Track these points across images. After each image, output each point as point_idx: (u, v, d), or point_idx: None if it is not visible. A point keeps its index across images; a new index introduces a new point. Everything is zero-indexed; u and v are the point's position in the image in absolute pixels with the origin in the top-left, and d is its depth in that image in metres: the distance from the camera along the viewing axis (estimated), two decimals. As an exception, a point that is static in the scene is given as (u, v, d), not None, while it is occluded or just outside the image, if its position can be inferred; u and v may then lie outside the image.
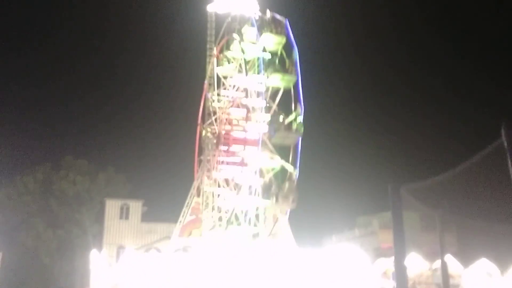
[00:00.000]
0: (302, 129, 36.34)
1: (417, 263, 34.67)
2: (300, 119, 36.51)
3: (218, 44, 39.64)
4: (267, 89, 37.83)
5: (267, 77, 36.58)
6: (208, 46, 40.14)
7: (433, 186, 7.44)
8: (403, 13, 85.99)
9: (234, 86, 38.03)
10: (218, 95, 38.51)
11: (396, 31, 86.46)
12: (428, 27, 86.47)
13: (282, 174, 36.60)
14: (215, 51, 39.31)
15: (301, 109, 36.58)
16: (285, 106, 37.84)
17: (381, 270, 35.65)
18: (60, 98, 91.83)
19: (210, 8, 40.68)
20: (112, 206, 41.76)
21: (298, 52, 37.86)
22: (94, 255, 35.09)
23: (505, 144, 5.00)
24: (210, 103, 38.72)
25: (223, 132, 37.26)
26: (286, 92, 38.03)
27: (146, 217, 43.64)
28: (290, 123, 36.66)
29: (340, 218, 42.62)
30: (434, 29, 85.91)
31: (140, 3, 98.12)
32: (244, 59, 37.59)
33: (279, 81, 37.06)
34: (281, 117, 36.98)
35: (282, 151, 37.36)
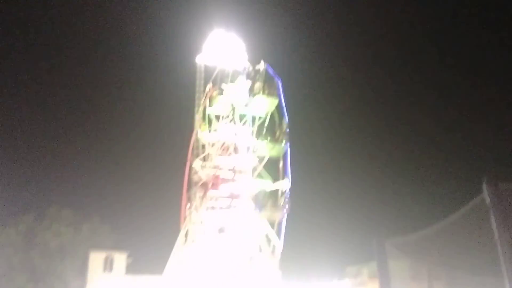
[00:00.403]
0: (288, 206, 36.31)
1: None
2: (287, 192, 36.48)
3: (212, 87, 39.90)
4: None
5: (256, 147, 36.89)
6: (196, 95, 40.40)
7: (418, 239, 7.33)
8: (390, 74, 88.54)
9: (224, 130, 38.23)
10: (209, 131, 38.60)
11: (378, 94, 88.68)
12: (410, 88, 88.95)
13: (268, 242, 36.24)
14: (208, 88, 39.43)
15: (288, 180, 36.66)
16: (272, 169, 38.01)
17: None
18: (45, 147, 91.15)
19: (199, 60, 41.14)
20: (96, 258, 40.64)
21: (287, 111, 38.21)
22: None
23: (487, 200, 4.96)
24: (200, 140, 38.74)
25: (211, 177, 37.09)
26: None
27: (131, 269, 42.50)
28: (276, 200, 36.61)
29: (329, 268, 41.86)
30: (417, 93, 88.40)
31: (130, 48, 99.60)
32: (234, 111, 37.99)
33: (268, 150, 37.37)
34: (266, 191, 36.91)
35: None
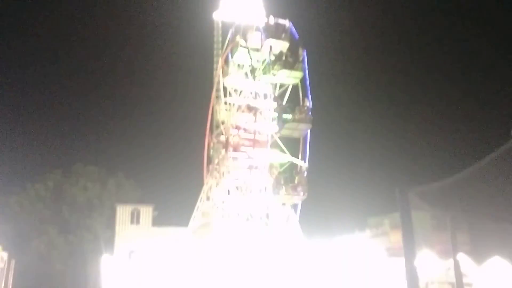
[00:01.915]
0: (311, 119, 36.07)
1: (430, 262, 34.41)
2: (309, 112, 36.27)
3: (223, 53, 39.37)
4: (275, 86, 37.62)
5: (274, 75, 36.34)
6: (215, 53, 40.04)
7: (442, 188, 7.35)
8: (409, 13, 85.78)
9: (241, 93, 37.93)
10: (225, 103, 38.37)
11: (403, 31, 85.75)
12: (435, 27, 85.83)
13: (291, 169, 36.62)
14: (220, 62, 39.01)
15: (309, 102, 36.42)
16: (293, 104, 37.80)
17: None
18: (69, 106, 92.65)
19: (216, 16, 40.44)
20: (122, 212, 41.87)
21: (305, 51, 37.60)
22: (105, 260, 35.26)
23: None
24: (218, 114, 38.67)
25: (231, 136, 37.21)
26: (294, 91, 37.90)
27: (157, 221, 43.81)
28: (299, 114, 36.39)
29: (350, 219, 42.34)
30: (441, 30, 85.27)
31: (144, 9, 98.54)
32: (250, 65, 37.43)
33: (286, 78, 36.78)
34: (288, 109, 36.84)
35: (291, 148, 37.27)
